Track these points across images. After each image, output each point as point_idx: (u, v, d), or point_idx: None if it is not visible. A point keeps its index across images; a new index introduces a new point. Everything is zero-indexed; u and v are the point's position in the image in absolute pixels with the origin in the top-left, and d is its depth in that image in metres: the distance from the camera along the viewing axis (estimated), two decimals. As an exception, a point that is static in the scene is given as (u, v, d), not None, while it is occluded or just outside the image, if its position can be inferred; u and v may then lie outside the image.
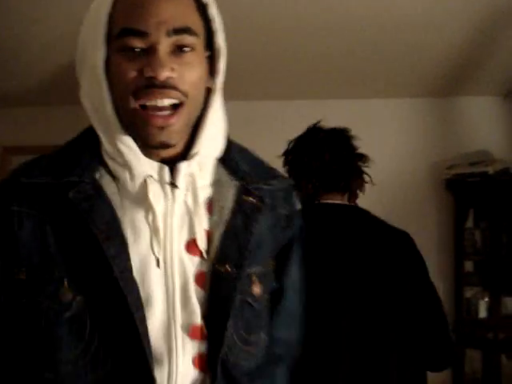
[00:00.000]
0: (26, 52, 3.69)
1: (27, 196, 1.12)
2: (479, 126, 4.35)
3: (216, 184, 1.20)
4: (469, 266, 4.13)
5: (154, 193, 1.11)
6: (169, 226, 1.12)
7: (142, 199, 1.12)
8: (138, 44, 1.07)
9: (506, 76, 3.94)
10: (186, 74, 1.09)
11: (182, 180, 1.13)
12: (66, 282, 1.08)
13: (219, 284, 1.13)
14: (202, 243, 1.14)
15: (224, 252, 1.14)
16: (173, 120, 1.08)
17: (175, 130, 1.10)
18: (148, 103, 1.07)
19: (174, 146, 1.13)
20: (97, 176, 1.12)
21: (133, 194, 1.13)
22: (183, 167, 1.13)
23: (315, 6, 3.00)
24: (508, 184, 3.91)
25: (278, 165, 4.03)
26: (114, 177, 1.14)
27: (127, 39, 1.07)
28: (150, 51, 1.06)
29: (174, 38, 1.08)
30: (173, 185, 1.12)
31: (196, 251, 1.14)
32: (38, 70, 4.01)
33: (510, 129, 4.27)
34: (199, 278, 1.13)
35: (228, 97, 1.20)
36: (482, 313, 3.94)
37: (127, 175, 1.12)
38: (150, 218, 1.11)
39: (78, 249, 1.09)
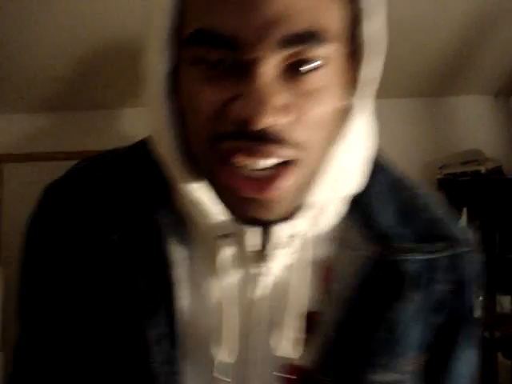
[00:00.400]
0: (23, 58, 3.68)
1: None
2: (470, 125, 4.35)
3: (336, 243, 0.76)
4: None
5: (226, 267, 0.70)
6: (247, 323, 0.70)
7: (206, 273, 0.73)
8: (222, 57, 0.62)
9: (497, 75, 3.95)
10: (307, 112, 0.63)
11: (276, 251, 0.70)
12: None
13: None
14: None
15: (335, 357, 0.71)
16: (277, 188, 0.63)
17: (280, 203, 0.65)
18: (235, 162, 0.63)
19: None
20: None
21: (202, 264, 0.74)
22: (284, 230, 0.69)
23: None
24: (500, 182, 3.92)
25: None
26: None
27: (205, 49, 0.61)
28: (245, 72, 0.60)
29: (291, 51, 0.61)
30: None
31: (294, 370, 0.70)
32: (33, 76, 4.00)
33: (501, 127, 4.29)
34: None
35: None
36: (477, 311, 3.93)
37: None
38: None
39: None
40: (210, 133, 0.63)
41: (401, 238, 0.77)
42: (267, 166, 0.62)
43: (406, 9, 3.00)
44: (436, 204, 0.94)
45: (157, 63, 0.65)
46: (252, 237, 0.67)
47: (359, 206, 0.77)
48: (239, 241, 0.68)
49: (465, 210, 4.13)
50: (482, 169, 3.92)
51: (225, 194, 0.67)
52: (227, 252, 0.68)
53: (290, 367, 0.70)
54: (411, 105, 4.45)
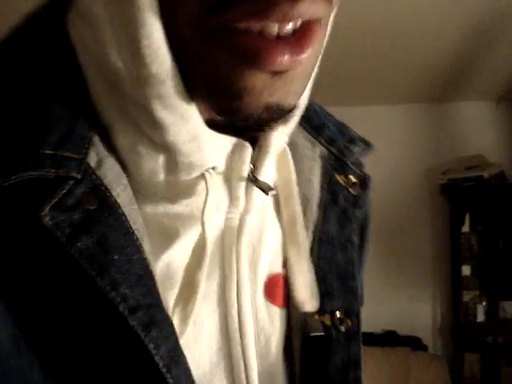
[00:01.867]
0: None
1: None
2: (473, 130, 4.37)
3: (292, 152, 0.63)
4: (466, 270, 4.13)
5: (219, 201, 0.55)
6: (235, 260, 0.56)
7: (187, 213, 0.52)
8: None
9: (499, 81, 3.96)
10: None
11: (268, 169, 0.56)
12: None
13: (331, 352, 0.59)
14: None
15: (328, 289, 0.61)
16: (312, 45, 0.46)
17: (300, 82, 0.50)
18: (253, 26, 0.44)
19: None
20: (93, 164, 0.48)
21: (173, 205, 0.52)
22: (277, 139, 0.56)
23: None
24: (503, 188, 3.93)
25: None
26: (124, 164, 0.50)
27: None
28: None
29: None
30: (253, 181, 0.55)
31: (279, 298, 0.60)
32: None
33: (504, 133, 4.30)
34: (289, 346, 0.60)
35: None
36: (480, 317, 3.94)
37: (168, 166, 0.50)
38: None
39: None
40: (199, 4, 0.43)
41: (346, 146, 0.74)
42: (289, 30, 0.45)
43: (409, 16, 3.02)
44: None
45: None
46: (247, 155, 0.54)
47: (307, 112, 0.64)
48: (233, 166, 0.54)
49: (468, 215, 4.14)
50: (485, 174, 3.93)
51: (233, 77, 0.45)
52: (214, 190, 0.52)
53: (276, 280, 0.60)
54: (414, 110, 4.46)
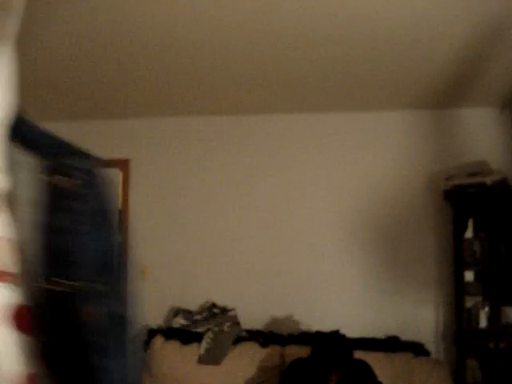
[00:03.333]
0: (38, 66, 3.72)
1: None
2: (477, 136, 4.38)
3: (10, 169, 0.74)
4: (469, 276, 4.13)
5: None
6: None
7: None
8: None
9: (502, 88, 3.98)
10: None
11: None
12: None
13: (58, 307, 0.74)
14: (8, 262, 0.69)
15: (48, 264, 0.76)
16: None
17: None
18: None
19: None
20: None
21: None
22: None
23: (310, 18, 3.04)
24: (506, 194, 3.94)
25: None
26: None
27: None
28: None
29: None
30: None
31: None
32: (40, 85, 4.05)
33: (507, 139, 4.30)
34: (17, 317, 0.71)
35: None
36: (483, 322, 3.95)
37: None
38: None
39: None
40: None
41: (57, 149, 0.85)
42: None
43: (412, 22, 3.03)
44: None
45: None
46: None
47: (16, 129, 0.74)
48: None
49: (471, 221, 4.15)
50: (488, 180, 3.94)
51: None
52: None
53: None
54: (417, 116, 4.48)
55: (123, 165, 4.84)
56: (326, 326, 4.34)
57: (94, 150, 5.07)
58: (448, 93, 4.09)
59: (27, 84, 4.02)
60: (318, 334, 3.29)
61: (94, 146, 5.39)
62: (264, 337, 4.29)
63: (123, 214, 4.79)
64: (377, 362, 3.88)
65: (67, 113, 4.70)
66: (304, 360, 3.51)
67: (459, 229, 4.08)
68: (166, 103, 4.47)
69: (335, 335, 3.26)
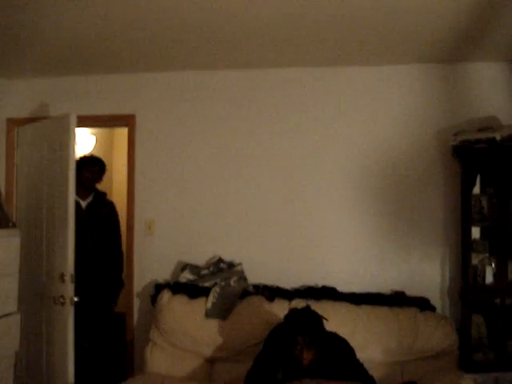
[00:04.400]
0: (33, 24, 3.66)
1: None
2: (486, 91, 4.32)
3: None
4: (476, 232, 4.13)
5: None
6: None
7: None
8: None
9: (514, 41, 3.90)
10: None
11: None
12: None
13: None
14: None
15: None
16: None
17: None
18: None
19: None
20: None
21: None
22: None
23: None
24: (515, 150, 3.89)
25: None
26: None
27: None
28: None
29: None
30: None
31: None
32: (45, 40, 3.99)
33: (518, 94, 4.25)
34: None
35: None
36: (489, 278, 3.96)
37: None
38: None
39: None
40: None
41: None
42: None
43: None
44: None
45: None
46: None
47: None
48: None
49: (479, 177, 4.12)
50: (497, 136, 3.89)
51: None
52: None
53: None
54: (426, 71, 4.41)
55: (129, 120, 4.81)
56: (331, 281, 4.38)
57: (99, 105, 5.09)
58: (458, 47, 4.02)
59: (31, 40, 3.98)
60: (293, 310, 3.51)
61: (99, 102, 5.39)
62: (270, 291, 4.33)
63: (129, 169, 4.79)
64: (382, 316, 3.92)
65: (72, 68, 4.65)
66: (278, 326, 3.66)
67: (467, 185, 4.06)
68: (172, 58, 4.41)
69: (306, 309, 3.46)
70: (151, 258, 4.77)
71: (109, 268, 4.85)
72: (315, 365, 3.34)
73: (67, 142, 4.03)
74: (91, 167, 4.85)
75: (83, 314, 4.34)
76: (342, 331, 3.65)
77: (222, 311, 4.14)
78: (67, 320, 3.92)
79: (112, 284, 4.88)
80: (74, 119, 4.06)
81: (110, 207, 5.01)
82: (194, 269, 4.53)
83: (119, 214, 5.07)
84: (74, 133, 4.07)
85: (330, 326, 3.59)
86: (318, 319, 3.39)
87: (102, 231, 4.84)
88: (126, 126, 4.86)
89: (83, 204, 4.79)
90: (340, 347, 3.49)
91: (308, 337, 3.31)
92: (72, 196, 4.04)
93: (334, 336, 3.53)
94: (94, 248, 4.76)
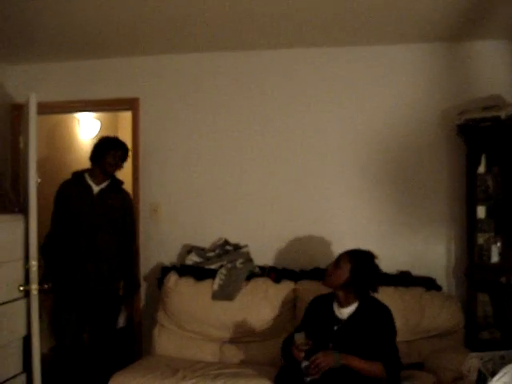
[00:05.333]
0: (38, 7, 3.65)
1: None
2: (491, 70, 4.29)
3: None
4: (481, 211, 4.12)
5: None
6: None
7: None
8: None
9: (518, 18, 3.87)
10: None
11: None
12: None
13: None
14: None
15: None
16: None
17: None
18: None
19: None
20: None
21: None
22: None
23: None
24: (521, 128, 3.87)
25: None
26: None
27: None
28: None
29: None
30: None
31: None
32: (48, 25, 3.98)
33: (523, 72, 4.22)
34: None
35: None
36: (495, 257, 3.96)
37: None
38: None
39: None
40: None
41: None
42: None
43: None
44: None
45: None
46: None
47: None
48: None
49: (484, 156, 4.11)
50: (502, 114, 3.86)
51: None
52: None
53: None
54: (430, 49, 4.38)
55: (132, 104, 4.81)
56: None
57: (103, 89, 5.08)
58: (461, 25, 3.99)
59: (35, 26, 3.97)
60: None
61: (103, 86, 5.37)
62: (277, 272, 4.34)
63: (134, 153, 4.79)
64: (388, 296, 3.92)
65: (76, 52, 4.64)
66: (322, 297, 3.59)
67: (472, 164, 4.05)
68: (175, 40, 4.39)
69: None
70: (157, 242, 4.79)
71: (118, 265, 4.33)
72: (350, 322, 3.32)
73: (27, 123, 3.71)
74: (115, 151, 4.29)
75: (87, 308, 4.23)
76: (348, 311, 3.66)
77: (229, 292, 4.16)
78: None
79: (124, 285, 4.45)
80: (33, 100, 3.69)
81: (127, 198, 4.48)
82: (200, 251, 4.55)
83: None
84: (34, 115, 3.66)
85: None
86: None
87: (113, 222, 4.30)
88: (129, 109, 4.86)
89: (95, 189, 4.30)
90: (380, 315, 3.36)
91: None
92: (33, 180, 3.55)
93: (379, 303, 3.44)
94: (103, 239, 4.23)
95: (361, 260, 3.38)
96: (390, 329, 3.33)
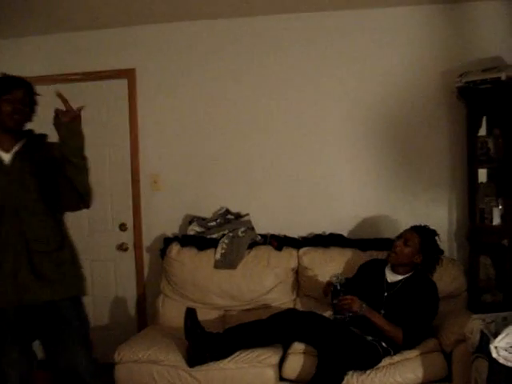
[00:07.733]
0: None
1: None
2: (491, 31, 4.23)
3: None
4: (482, 174, 4.11)
5: None
6: None
7: None
8: None
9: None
10: None
11: None
12: None
13: None
14: None
15: None
16: None
17: None
18: None
19: None
20: None
21: None
22: None
23: None
24: (521, 89, 3.84)
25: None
26: None
27: None
28: None
29: None
30: None
31: None
32: None
33: (523, 33, 4.16)
34: None
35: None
36: (496, 220, 3.95)
37: None
38: None
39: None
40: None
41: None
42: None
43: None
44: None
45: None
46: None
47: None
48: None
49: (484, 118, 4.07)
50: (503, 75, 3.82)
51: None
52: None
53: None
54: (429, 11, 4.31)
55: (129, 74, 4.76)
56: (338, 228, 4.40)
57: (98, 60, 5.03)
58: (462, -15, 3.93)
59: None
60: None
61: (98, 57, 5.33)
62: (278, 240, 4.35)
63: (132, 124, 4.77)
64: (390, 261, 3.94)
65: (70, 23, 4.58)
66: (374, 261, 3.84)
67: (473, 126, 4.02)
68: (169, 9, 4.33)
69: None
70: (158, 213, 4.78)
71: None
72: (401, 290, 3.53)
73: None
74: (10, 94, 2.79)
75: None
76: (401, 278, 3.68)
77: (231, 261, 4.18)
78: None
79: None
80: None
81: (51, 148, 2.84)
82: (202, 221, 4.55)
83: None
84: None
85: (337, 270, 3.70)
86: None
87: (45, 194, 2.80)
88: (126, 79, 4.80)
89: (6, 158, 2.81)
90: (427, 290, 3.54)
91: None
92: None
93: (428, 277, 3.63)
94: (33, 224, 2.77)
95: (429, 239, 3.60)
96: (429, 305, 3.52)
